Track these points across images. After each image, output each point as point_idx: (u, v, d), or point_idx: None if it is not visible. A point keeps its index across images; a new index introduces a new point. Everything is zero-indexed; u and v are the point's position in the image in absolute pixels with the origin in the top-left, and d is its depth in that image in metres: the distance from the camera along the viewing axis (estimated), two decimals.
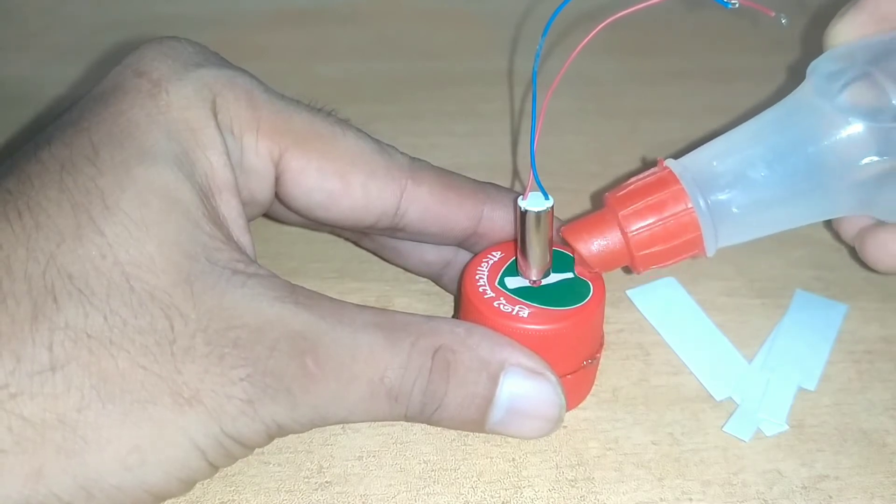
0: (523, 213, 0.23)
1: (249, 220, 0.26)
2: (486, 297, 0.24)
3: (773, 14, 0.21)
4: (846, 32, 0.27)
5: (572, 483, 0.23)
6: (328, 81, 0.43)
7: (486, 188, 0.26)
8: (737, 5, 0.20)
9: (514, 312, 0.23)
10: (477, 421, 0.22)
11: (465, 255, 0.27)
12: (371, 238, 0.29)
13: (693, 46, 0.46)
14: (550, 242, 0.24)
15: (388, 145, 0.25)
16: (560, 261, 0.25)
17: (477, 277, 0.25)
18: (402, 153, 0.25)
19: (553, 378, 0.22)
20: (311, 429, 0.21)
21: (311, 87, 0.42)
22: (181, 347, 0.19)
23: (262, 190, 0.24)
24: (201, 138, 0.22)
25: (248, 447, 0.21)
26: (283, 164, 0.24)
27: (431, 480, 0.23)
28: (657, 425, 0.25)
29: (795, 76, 0.44)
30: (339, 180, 0.24)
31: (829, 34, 0.27)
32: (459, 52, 0.46)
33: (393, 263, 0.30)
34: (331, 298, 0.22)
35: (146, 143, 0.21)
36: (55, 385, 0.18)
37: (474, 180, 0.26)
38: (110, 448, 0.19)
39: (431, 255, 0.28)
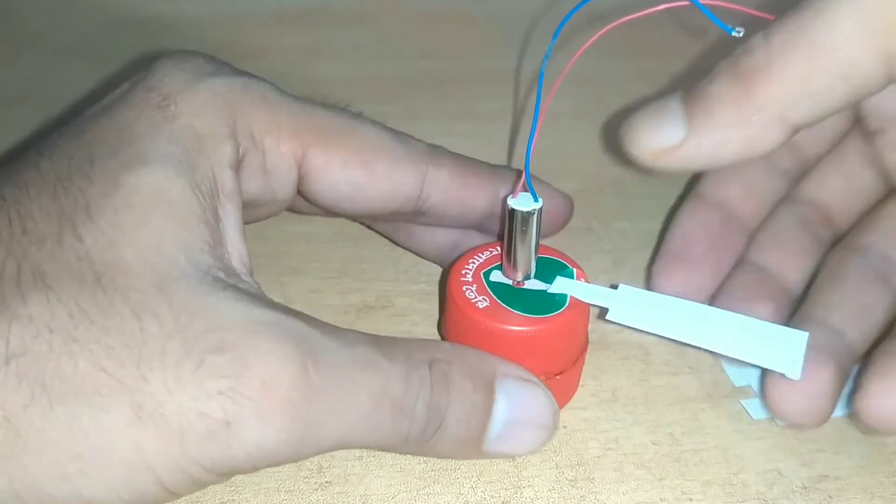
0: (511, 212, 0.23)
1: (269, 216, 0.26)
2: (462, 279, 0.24)
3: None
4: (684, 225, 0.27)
5: (572, 483, 0.23)
6: (328, 81, 0.43)
7: (500, 170, 0.27)
8: (741, 34, 0.20)
9: (473, 300, 0.23)
10: (476, 438, 0.22)
11: (472, 238, 0.28)
12: (385, 221, 0.29)
13: (693, 46, 0.46)
14: (536, 244, 0.24)
15: (404, 134, 0.26)
16: (557, 273, 0.25)
17: (470, 262, 0.25)
18: (418, 140, 0.26)
19: (542, 384, 0.22)
20: (305, 456, 0.19)
21: (311, 87, 0.42)
22: (151, 351, 0.18)
23: (284, 190, 0.24)
24: (206, 144, 0.21)
25: (221, 475, 0.19)
26: (307, 163, 0.24)
27: (431, 480, 0.23)
28: (657, 425, 0.25)
29: None
30: (364, 170, 0.24)
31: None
32: (459, 52, 0.46)
33: (403, 246, 0.30)
34: (315, 318, 0.21)
35: (143, 148, 0.21)
36: (6, 378, 0.17)
37: (489, 164, 0.27)
38: (50, 452, 0.17)
39: (441, 236, 0.29)
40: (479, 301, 0.23)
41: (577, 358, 0.25)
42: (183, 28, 0.47)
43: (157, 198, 0.20)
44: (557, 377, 0.24)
